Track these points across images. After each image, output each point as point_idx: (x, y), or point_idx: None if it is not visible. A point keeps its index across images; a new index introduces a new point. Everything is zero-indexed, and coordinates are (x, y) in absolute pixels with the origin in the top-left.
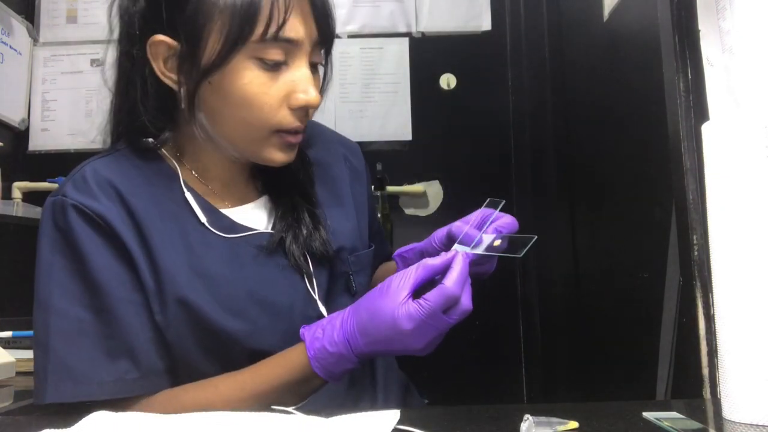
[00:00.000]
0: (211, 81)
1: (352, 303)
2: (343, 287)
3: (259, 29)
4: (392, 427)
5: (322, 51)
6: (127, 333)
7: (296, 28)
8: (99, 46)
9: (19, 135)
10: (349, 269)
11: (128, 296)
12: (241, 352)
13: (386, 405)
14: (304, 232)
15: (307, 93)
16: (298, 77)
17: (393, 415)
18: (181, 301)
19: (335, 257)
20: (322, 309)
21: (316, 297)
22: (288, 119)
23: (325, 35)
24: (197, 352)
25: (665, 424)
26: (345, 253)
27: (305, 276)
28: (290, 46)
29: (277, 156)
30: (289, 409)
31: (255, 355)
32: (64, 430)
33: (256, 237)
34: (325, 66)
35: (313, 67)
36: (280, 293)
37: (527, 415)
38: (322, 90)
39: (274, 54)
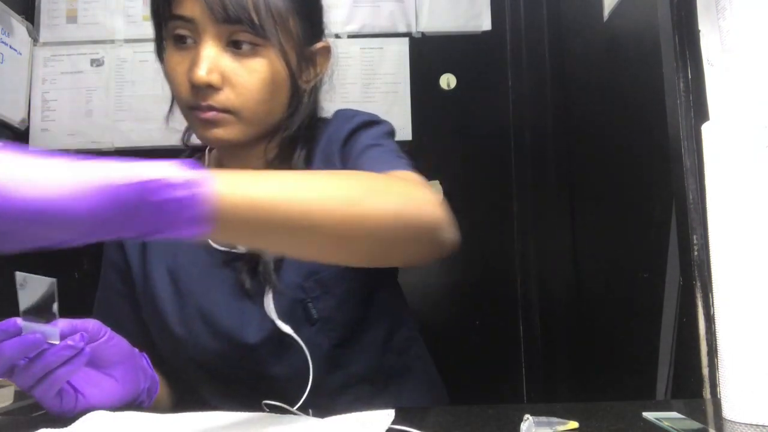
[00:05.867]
0: None
1: (314, 332)
2: (302, 315)
3: (170, 8)
4: (387, 427)
5: (255, 29)
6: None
7: (188, 5)
8: (99, 46)
9: (19, 135)
10: (304, 296)
11: (119, 289)
12: (184, 358)
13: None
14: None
15: (192, 70)
16: (195, 55)
17: (387, 415)
18: (152, 298)
19: (290, 285)
20: (283, 327)
21: (274, 317)
22: (188, 95)
23: (219, 11)
24: (161, 347)
25: (665, 424)
26: (299, 279)
27: (265, 297)
28: (188, 23)
29: (200, 132)
30: (286, 406)
31: (195, 365)
32: (62, 429)
33: (234, 254)
34: (281, 47)
35: (234, 45)
36: (226, 312)
37: (527, 415)
38: (301, 71)
39: (178, 31)
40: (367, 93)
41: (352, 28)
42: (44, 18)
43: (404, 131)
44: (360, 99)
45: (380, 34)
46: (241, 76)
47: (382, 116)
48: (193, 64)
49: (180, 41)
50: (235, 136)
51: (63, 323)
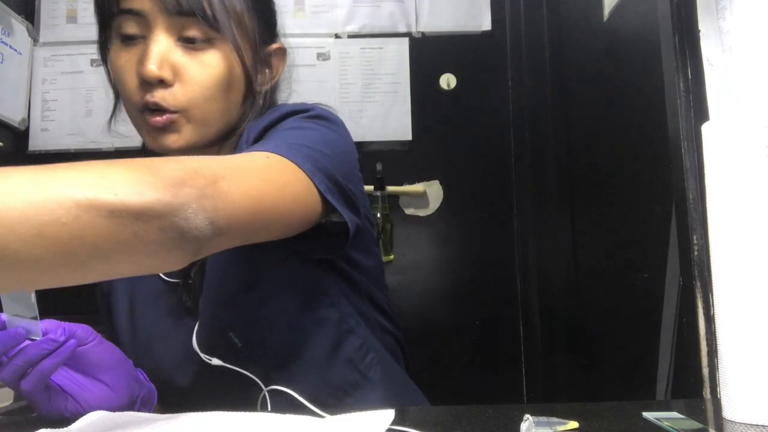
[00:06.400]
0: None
1: (242, 362)
2: (226, 346)
3: (115, 5)
4: (386, 427)
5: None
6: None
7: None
8: None
9: (19, 135)
10: (224, 325)
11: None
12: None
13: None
14: (189, 282)
15: (142, 63)
16: (146, 49)
17: (387, 415)
18: (113, 324)
19: (208, 315)
20: (214, 360)
21: (195, 346)
22: (136, 93)
23: (170, 5)
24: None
25: (665, 424)
26: (215, 308)
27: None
28: (137, 18)
29: (147, 139)
30: (291, 391)
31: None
32: (61, 429)
33: (174, 283)
34: (235, 41)
35: (186, 40)
36: (165, 349)
37: (527, 415)
38: (255, 71)
39: (126, 28)
40: (367, 93)
41: (352, 28)
42: (44, 18)
43: (404, 131)
44: (360, 99)
45: (380, 34)
46: (193, 71)
47: (382, 116)
48: (143, 58)
49: (128, 39)
50: (189, 141)
51: (52, 324)
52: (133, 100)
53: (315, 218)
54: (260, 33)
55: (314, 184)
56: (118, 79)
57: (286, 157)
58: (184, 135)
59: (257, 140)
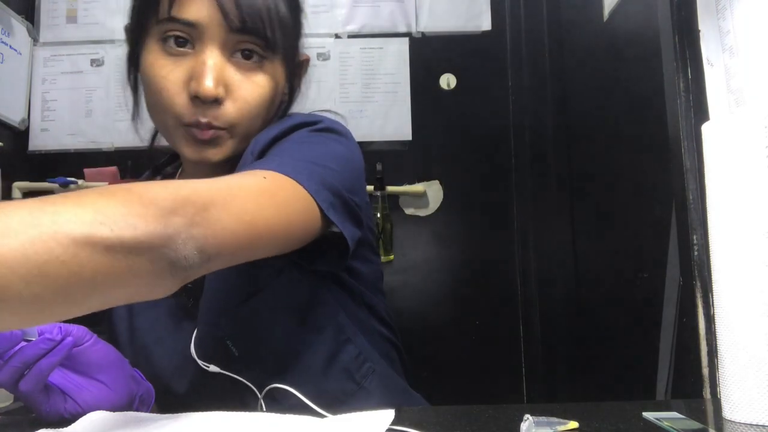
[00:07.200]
0: (139, 69)
1: (238, 370)
2: (223, 354)
3: (160, 8)
4: (386, 427)
5: (264, 39)
6: None
7: (193, 9)
8: (99, 46)
9: (19, 135)
10: (221, 334)
11: None
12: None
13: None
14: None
15: (198, 81)
16: (198, 64)
17: (387, 415)
18: (111, 327)
19: (206, 323)
20: (212, 368)
21: (193, 352)
22: (186, 109)
23: (234, 19)
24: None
25: (665, 424)
26: (213, 316)
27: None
28: (190, 29)
29: (187, 151)
30: (291, 389)
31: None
32: (61, 429)
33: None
34: (286, 61)
35: (243, 54)
36: (164, 355)
37: (527, 415)
38: (293, 84)
39: (175, 33)
40: (367, 93)
41: (352, 28)
42: (44, 18)
43: (404, 131)
44: (360, 99)
45: (380, 34)
46: (245, 90)
47: (382, 116)
48: (198, 74)
49: (174, 45)
50: (227, 154)
51: (47, 325)
52: (177, 114)
53: (315, 233)
54: (298, 45)
55: (316, 201)
56: (156, 88)
57: (288, 176)
58: (224, 149)
59: (263, 152)
